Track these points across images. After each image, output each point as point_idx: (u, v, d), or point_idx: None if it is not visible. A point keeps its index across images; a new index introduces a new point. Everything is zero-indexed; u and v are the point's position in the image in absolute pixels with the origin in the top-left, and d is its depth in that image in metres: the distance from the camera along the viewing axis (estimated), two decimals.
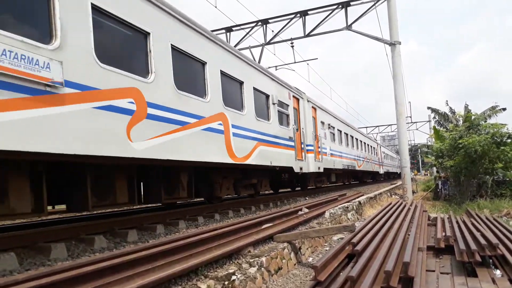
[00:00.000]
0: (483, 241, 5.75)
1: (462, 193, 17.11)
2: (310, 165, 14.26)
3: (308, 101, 14.92)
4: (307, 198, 14.58)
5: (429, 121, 42.22)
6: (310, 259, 6.33)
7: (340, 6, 16.40)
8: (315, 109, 15.95)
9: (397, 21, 15.30)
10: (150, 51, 6.30)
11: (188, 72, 7.61)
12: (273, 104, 11.36)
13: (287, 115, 12.64)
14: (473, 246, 5.57)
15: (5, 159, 4.44)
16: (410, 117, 43.51)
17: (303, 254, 6.31)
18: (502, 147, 15.43)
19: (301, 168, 13.16)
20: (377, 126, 53.30)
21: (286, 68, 21.97)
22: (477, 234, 6.38)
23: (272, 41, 18.52)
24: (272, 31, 18.27)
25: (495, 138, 15.69)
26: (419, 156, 62.94)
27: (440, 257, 6.06)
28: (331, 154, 17.68)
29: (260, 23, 17.99)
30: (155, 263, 3.94)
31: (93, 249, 5.04)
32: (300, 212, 8.89)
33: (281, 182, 14.95)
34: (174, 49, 6.93)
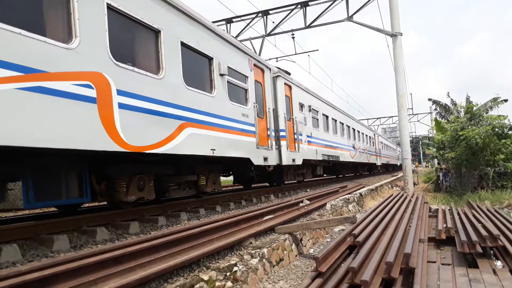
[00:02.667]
0: (484, 232, 5.76)
1: (463, 185, 17.13)
2: (378, 162, 32.14)
3: (377, 134, 34.26)
4: (308, 190, 14.61)
5: (430, 112, 42.11)
6: (312, 251, 6.35)
7: None
8: (378, 136, 34.27)
9: (399, 12, 15.17)
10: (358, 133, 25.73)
11: (362, 138, 26.25)
12: (372, 140, 29.62)
13: (372, 141, 30.51)
14: (474, 237, 5.58)
15: None
16: (411, 108, 43.44)
17: (304, 246, 6.34)
18: (503, 140, 15.39)
19: (375, 164, 30.95)
20: (378, 118, 53.18)
21: (286, 59, 21.86)
22: (478, 226, 6.39)
23: (272, 33, 18.40)
24: (273, 22, 18.15)
25: (497, 129, 15.64)
26: (420, 148, 62.85)
27: (441, 249, 6.08)
28: (383, 156, 36.58)
29: (260, 14, 17.86)
30: (157, 254, 3.95)
31: (95, 241, 5.06)
32: (301, 204, 8.90)
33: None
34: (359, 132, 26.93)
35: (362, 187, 15.16)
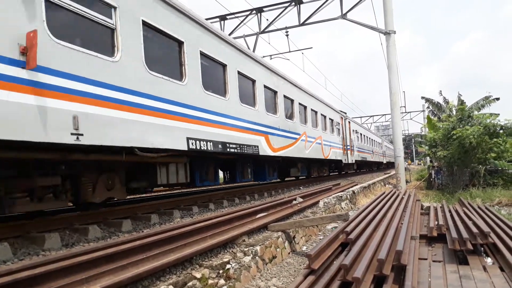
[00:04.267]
0: (475, 230, 5.82)
1: (455, 183, 17.26)
2: (384, 160, 43.10)
3: (384, 140, 46.43)
4: (301, 187, 14.65)
5: (423, 110, 42.39)
6: (304, 248, 6.38)
7: None
8: (384, 141, 45.03)
9: (392, 10, 15.21)
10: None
11: (376, 145, 38.41)
12: (380, 145, 42.29)
13: (381, 145, 42.15)
14: (465, 234, 5.64)
15: None
16: (404, 106, 43.81)
17: (297, 243, 6.36)
18: (494, 139, 15.52)
19: (382, 162, 42.69)
20: (371, 116, 53.39)
21: (280, 57, 21.87)
22: (469, 223, 6.46)
23: (266, 30, 18.37)
24: (267, 19, 18.11)
25: (488, 129, 15.76)
26: (413, 146, 63.32)
27: (432, 246, 6.13)
28: (387, 156, 45.28)
29: (254, 12, 17.80)
30: (150, 252, 3.95)
31: (87, 239, 5.03)
32: (294, 202, 8.93)
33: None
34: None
35: (355, 185, 15.24)
